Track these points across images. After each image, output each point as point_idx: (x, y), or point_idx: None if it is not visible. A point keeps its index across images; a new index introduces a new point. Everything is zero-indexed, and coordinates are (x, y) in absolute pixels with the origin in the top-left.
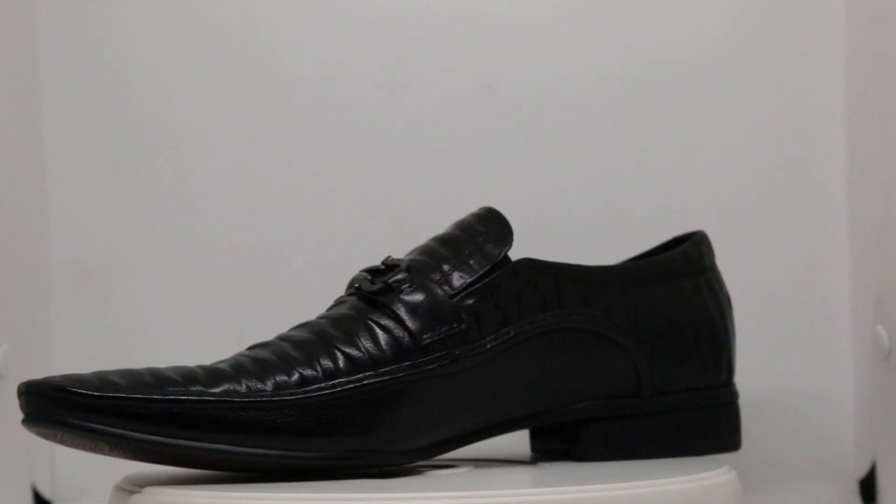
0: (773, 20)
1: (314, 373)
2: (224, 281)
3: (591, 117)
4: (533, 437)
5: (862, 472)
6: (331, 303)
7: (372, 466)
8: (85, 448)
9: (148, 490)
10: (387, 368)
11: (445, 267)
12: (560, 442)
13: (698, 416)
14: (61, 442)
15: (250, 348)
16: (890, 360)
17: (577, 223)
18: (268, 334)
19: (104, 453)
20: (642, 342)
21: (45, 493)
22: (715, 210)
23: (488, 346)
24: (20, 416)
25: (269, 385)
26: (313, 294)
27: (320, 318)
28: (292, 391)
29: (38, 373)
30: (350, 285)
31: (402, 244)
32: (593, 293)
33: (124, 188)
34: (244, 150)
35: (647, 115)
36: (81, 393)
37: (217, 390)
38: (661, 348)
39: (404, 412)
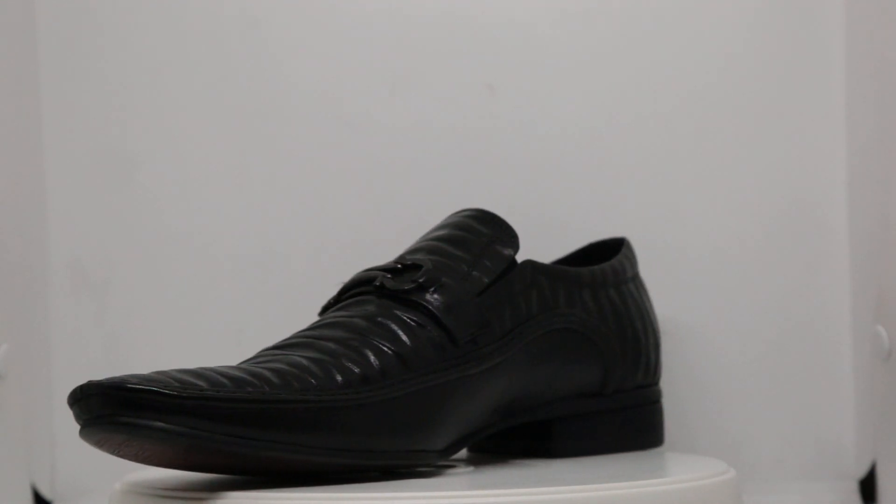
0: (773, 20)
1: (373, 372)
2: (224, 281)
3: (590, 117)
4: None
5: (862, 472)
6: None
7: (415, 467)
8: (139, 457)
9: (147, 490)
10: (433, 367)
11: (464, 267)
12: (526, 440)
13: (641, 412)
14: (119, 450)
15: (282, 348)
16: (890, 360)
17: (576, 223)
18: (267, 334)
19: (163, 463)
20: (611, 342)
21: (45, 493)
22: (715, 210)
23: (506, 345)
24: (20, 416)
25: (338, 384)
26: (313, 294)
27: (348, 316)
28: (357, 390)
29: (38, 373)
30: (355, 284)
31: (402, 244)
32: (577, 295)
33: (124, 188)
34: (244, 150)
35: (646, 114)
36: (166, 393)
37: (296, 388)
38: (623, 349)
39: (444, 411)
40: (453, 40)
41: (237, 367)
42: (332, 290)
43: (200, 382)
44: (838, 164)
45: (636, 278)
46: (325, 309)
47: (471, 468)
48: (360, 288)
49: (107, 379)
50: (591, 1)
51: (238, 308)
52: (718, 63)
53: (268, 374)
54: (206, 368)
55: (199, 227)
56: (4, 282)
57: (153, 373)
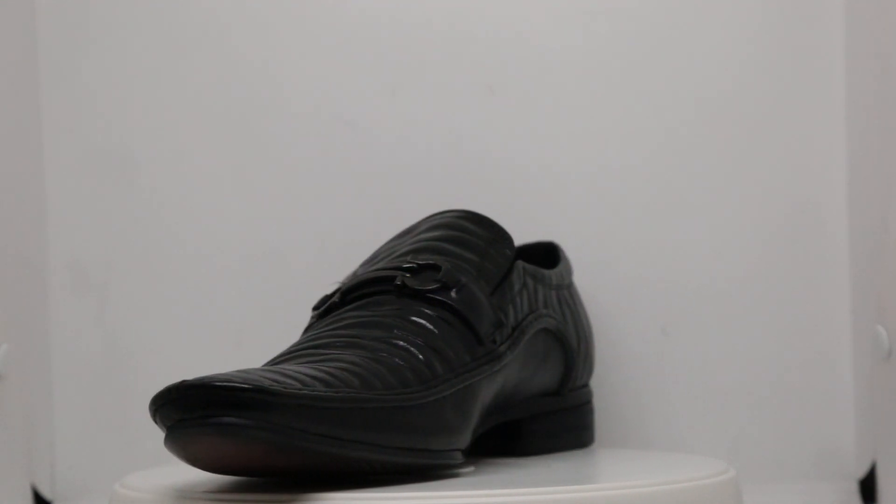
0: (773, 21)
1: (424, 370)
2: (223, 281)
3: (591, 117)
4: None
5: (862, 472)
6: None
7: (451, 466)
8: (215, 463)
9: (147, 491)
10: (468, 366)
11: (473, 268)
12: (494, 439)
13: (584, 411)
14: (201, 454)
15: (320, 347)
16: (890, 360)
17: (575, 224)
18: (267, 334)
19: (237, 469)
20: (572, 342)
21: (45, 493)
22: (716, 211)
23: (512, 345)
24: (20, 416)
25: (401, 383)
26: (314, 294)
27: (378, 315)
28: (416, 389)
29: (38, 373)
30: (366, 283)
31: None
32: (549, 296)
33: (124, 188)
34: (244, 150)
35: (647, 114)
36: (272, 391)
37: (375, 388)
38: (579, 348)
39: (474, 409)
40: (453, 40)
41: (306, 366)
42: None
43: (294, 382)
44: (838, 165)
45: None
46: (330, 308)
47: (471, 468)
48: (373, 287)
49: (202, 378)
50: (592, 3)
51: (238, 308)
52: (719, 64)
53: (342, 374)
54: (281, 368)
55: (199, 227)
56: (4, 282)
57: (237, 371)
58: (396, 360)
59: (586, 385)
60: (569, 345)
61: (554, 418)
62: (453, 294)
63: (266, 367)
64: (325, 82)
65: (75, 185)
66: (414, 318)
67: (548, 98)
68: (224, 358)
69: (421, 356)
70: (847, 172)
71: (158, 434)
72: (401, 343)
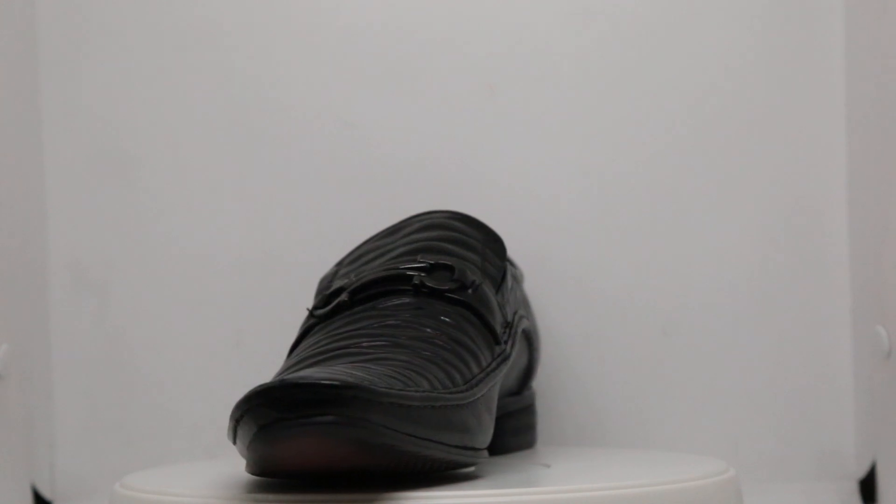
0: (773, 20)
1: (464, 369)
2: (223, 281)
3: (591, 117)
4: None
5: (862, 472)
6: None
7: (473, 464)
8: (294, 465)
9: (147, 491)
10: (492, 365)
11: (477, 268)
12: None
13: (532, 410)
14: (284, 457)
15: (350, 347)
16: (890, 360)
17: (575, 224)
18: (267, 335)
19: (313, 471)
20: (536, 342)
21: (45, 493)
22: (715, 210)
23: (513, 344)
24: (20, 416)
25: (452, 383)
26: (313, 295)
27: (404, 315)
28: (462, 388)
29: (38, 373)
30: (375, 282)
31: None
32: (522, 296)
33: (124, 188)
34: (244, 150)
35: (647, 114)
36: (372, 390)
37: (438, 388)
38: (538, 348)
39: (495, 408)
40: (454, 42)
41: (373, 364)
42: None
43: (378, 380)
44: (838, 165)
45: None
46: (339, 307)
47: (470, 468)
48: (384, 286)
49: (300, 377)
50: (592, 3)
51: (238, 308)
52: (719, 63)
53: (408, 373)
54: (353, 367)
55: (199, 227)
56: (4, 282)
57: (323, 369)
58: (440, 359)
59: (531, 387)
60: (534, 345)
61: (516, 417)
62: (470, 292)
63: (346, 366)
64: (324, 83)
65: (75, 185)
66: (442, 318)
67: (548, 98)
68: (224, 358)
69: (459, 355)
70: (847, 172)
71: (158, 434)
72: (438, 342)
